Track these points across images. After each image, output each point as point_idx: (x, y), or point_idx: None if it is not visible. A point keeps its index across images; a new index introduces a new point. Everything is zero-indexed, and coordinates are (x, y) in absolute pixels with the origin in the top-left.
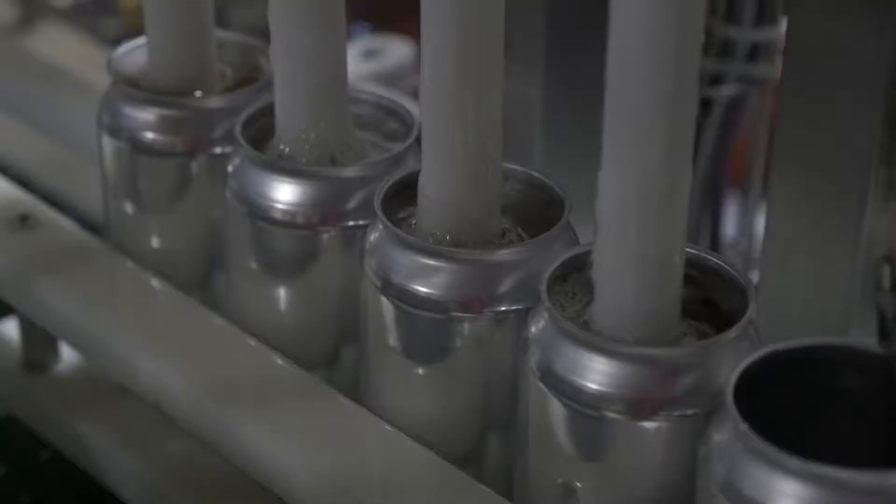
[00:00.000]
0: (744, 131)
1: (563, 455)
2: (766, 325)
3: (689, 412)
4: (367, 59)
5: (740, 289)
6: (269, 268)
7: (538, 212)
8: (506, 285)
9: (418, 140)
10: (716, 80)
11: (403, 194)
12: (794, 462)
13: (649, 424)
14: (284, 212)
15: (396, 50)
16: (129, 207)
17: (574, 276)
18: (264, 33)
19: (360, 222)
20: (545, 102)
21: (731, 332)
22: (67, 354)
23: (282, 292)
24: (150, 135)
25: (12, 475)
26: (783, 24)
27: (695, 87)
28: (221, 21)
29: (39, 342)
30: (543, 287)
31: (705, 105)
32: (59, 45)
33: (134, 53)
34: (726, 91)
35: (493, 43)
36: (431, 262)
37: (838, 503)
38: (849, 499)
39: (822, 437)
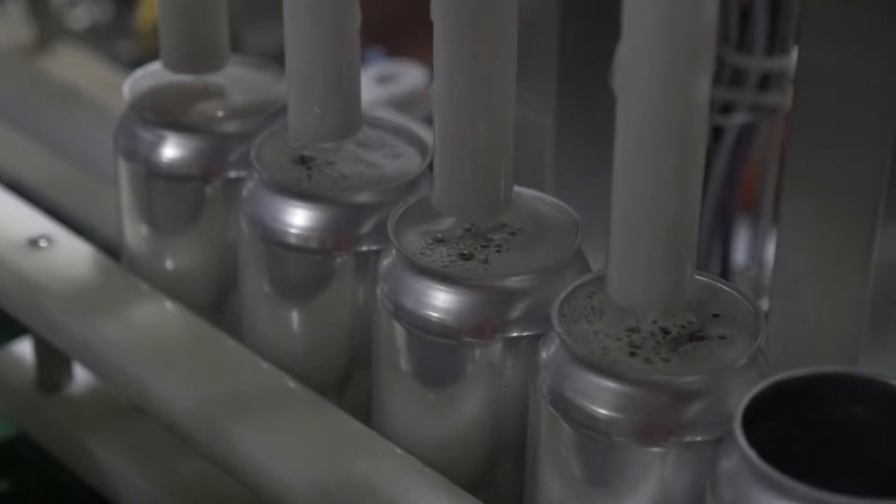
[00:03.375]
0: (754, 159)
1: (572, 479)
2: (776, 352)
3: (699, 439)
4: (381, 84)
5: (751, 315)
6: (281, 292)
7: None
8: (517, 311)
9: (431, 166)
10: (727, 108)
11: (417, 218)
12: (802, 488)
13: (658, 450)
14: (298, 236)
15: (410, 75)
16: (144, 230)
17: (600, 294)
18: (279, 55)
19: (374, 247)
20: (556, 128)
21: (741, 360)
22: (81, 375)
23: (295, 316)
24: (165, 159)
25: (21, 492)
26: (794, 54)
27: (705, 114)
28: (236, 44)
29: (53, 362)
30: (555, 313)
31: (716, 133)
32: (75, 67)
33: (149, 78)
34: (737, 119)
35: (505, 66)
36: (443, 287)
37: None
38: None
39: (828, 466)
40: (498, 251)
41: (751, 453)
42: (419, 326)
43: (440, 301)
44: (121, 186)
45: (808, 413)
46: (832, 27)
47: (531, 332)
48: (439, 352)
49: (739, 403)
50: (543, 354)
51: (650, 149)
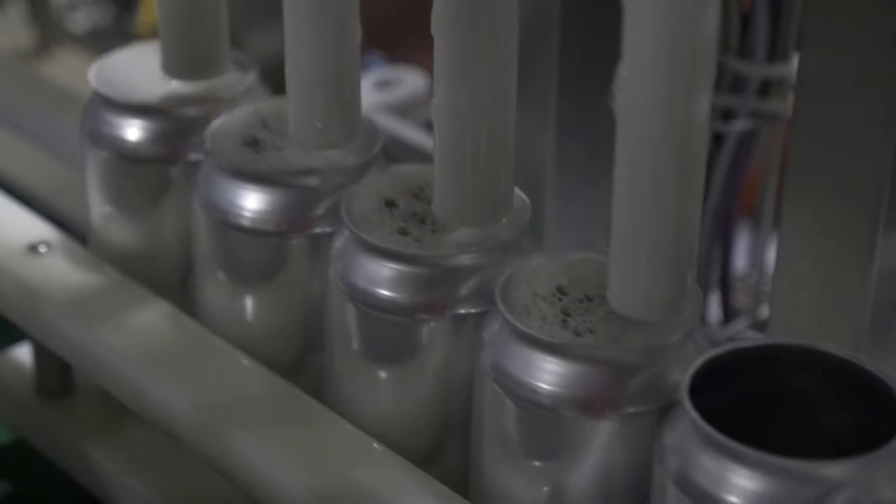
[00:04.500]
0: (755, 166)
1: (515, 453)
2: None
3: (643, 409)
4: (381, 90)
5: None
6: (236, 274)
7: None
8: (466, 289)
9: (384, 150)
10: (727, 115)
11: (372, 201)
12: (748, 452)
13: (600, 422)
14: (251, 219)
15: (410, 80)
16: (108, 212)
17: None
18: (279, 61)
19: (327, 229)
20: (557, 137)
21: (676, 335)
22: (80, 381)
23: (250, 298)
24: (130, 142)
25: (20, 498)
26: (795, 61)
27: (706, 121)
28: (237, 46)
29: (52, 368)
30: (498, 291)
31: (717, 140)
32: (75, 70)
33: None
34: (738, 126)
35: (505, 76)
36: (394, 265)
37: (786, 491)
38: (794, 486)
39: (773, 434)
40: (434, 231)
41: (696, 417)
42: (371, 305)
43: (391, 279)
44: (87, 170)
45: (753, 383)
46: (833, 34)
47: (479, 310)
48: (391, 329)
49: (686, 372)
50: (487, 331)
51: (650, 168)
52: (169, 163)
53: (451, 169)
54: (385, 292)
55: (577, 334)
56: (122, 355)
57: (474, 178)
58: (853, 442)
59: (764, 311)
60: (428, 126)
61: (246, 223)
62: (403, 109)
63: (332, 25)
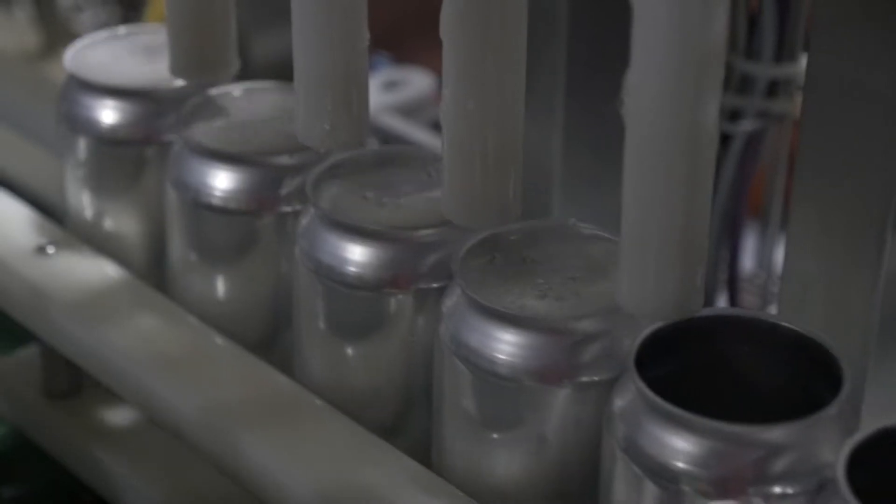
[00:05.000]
0: (762, 166)
1: (472, 422)
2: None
3: (596, 379)
4: (388, 91)
5: None
6: (206, 253)
7: None
8: (428, 264)
9: None
10: (735, 115)
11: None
12: (690, 418)
13: (557, 391)
14: (222, 198)
15: (417, 81)
16: (85, 196)
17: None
18: (287, 62)
19: (297, 207)
20: (565, 138)
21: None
22: (88, 382)
23: (219, 277)
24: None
25: (28, 499)
26: (802, 61)
27: (715, 124)
28: (243, 50)
29: (60, 370)
30: (457, 262)
31: (724, 140)
32: None
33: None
34: (745, 126)
35: (514, 79)
36: (361, 242)
37: (729, 455)
38: (737, 451)
39: (715, 401)
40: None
41: (643, 386)
42: (337, 280)
43: (356, 255)
44: (63, 155)
45: (697, 353)
46: (841, 34)
47: (442, 284)
48: (356, 304)
49: (634, 342)
50: (446, 304)
51: (660, 171)
52: (144, 144)
53: (459, 171)
54: (351, 268)
55: (540, 303)
56: (130, 356)
57: (483, 180)
58: (798, 407)
59: (772, 312)
60: (435, 127)
61: (216, 202)
62: (410, 110)
63: (341, 27)
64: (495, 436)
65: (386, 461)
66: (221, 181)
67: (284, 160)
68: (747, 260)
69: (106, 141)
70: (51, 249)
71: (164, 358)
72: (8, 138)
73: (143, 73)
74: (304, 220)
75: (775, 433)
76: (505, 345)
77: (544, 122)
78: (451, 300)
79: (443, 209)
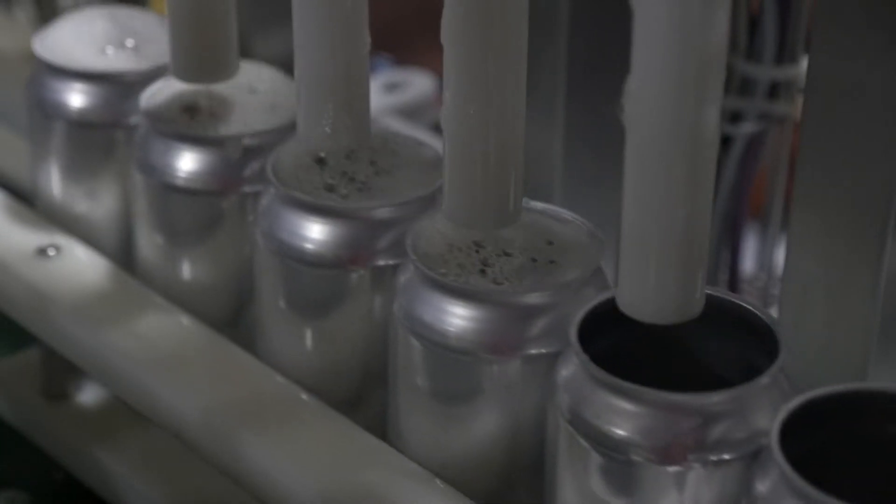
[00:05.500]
0: (763, 168)
1: (424, 396)
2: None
3: (543, 351)
4: (389, 93)
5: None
6: (172, 234)
7: None
8: (384, 242)
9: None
10: (736, 117)
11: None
12: (629, 387)
13: (507, 364)
14: (185, 180)
15: (418, 83)
16: (55, 177)
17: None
18: (288, 63)
19: (257, 188)
20: (565, 140)
21: (575, 283)
22: (88, 384)
23: (184, 254)
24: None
25: (28, 501)
26: (803, 63)
27: (715, 124)
28: (244, 51)
29: (60, 372)
30: (409, 241)
31: (725, 142)
32: None
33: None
34: (746, 128)
35: (515, 81)
36: (319, 220)
37: (669, 421)
38: (677, 418)
39: (657, 371)
40: (361, 189)
41: (585, 358)
42: (296, 258)
43: (315, 233)
44: (31, 136)
45: (640, 326)
46: (842, 35)
47: (398, 261)
48: (315, 282)
49: (575, 317)
50: (400, 280)
51: (660, 175)
52: (112, 127)
53: (461, 175)
54: (309, 246)
55: (496, 283)
56: (130, 358)
57: (484, 183)
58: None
59: (772, 313)
60: (437, 128)
61: (180, 183)
62: (411, 112)
63: (342, 29)
64: (447, 409)
65: (386, 463)
66: (185, 162)
67: (247, 141)
68: (748, 261)
69: (74, 124)
70: (51, 251)
71: (164, 359)
72: (8, 138)
73: (110, 57)
74: (264, 200)
75: (712, 400)
76: (456, 318)
77: (545, 122)
78: (405, 276)
79: (443, 211)
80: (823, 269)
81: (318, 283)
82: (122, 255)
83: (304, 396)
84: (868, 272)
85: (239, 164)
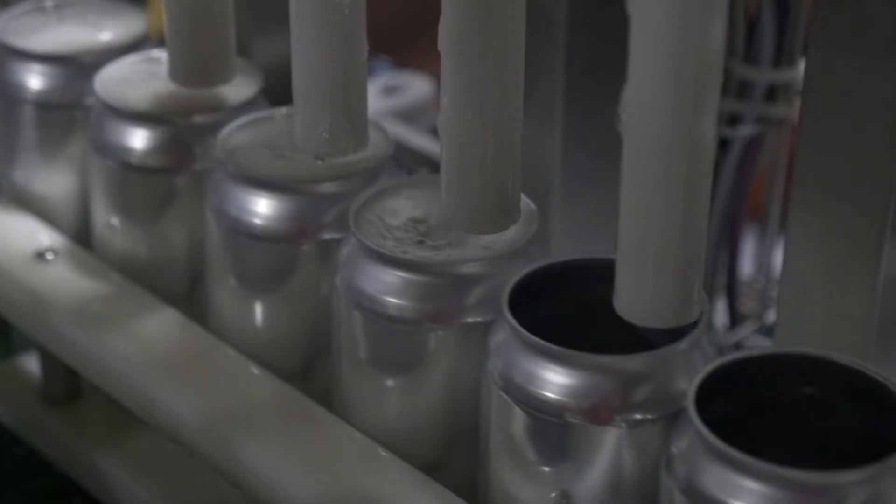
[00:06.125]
0: (761, 170)
1: (363, 364)
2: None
3: (479, 319)
4: (388, 96)
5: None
6: (127, 214)
7: None
8: (330, 216)
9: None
10: (733, 120)
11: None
12: (560, 351)
13: (439, 332)
14: (139, 158)
15: (416, 86)
16: (16, 159)
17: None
18: (286, 67)
19: (208, 167)
20: (563, 141)
21: (510, 252)
22: (87, 388)
23: (140, 232)
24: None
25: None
26: (801, 65)
27: (712, 129)
28: (242, 56)
29: (59, 375)
30: (351, 214)
31: (723, 144)
32: None
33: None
34: (744, 131)
35: (513, 84)
36: (267, 195)
37: (596, 383)
38: (603, 379)
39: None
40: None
41: (518, 327)
42: (244, 232)
43: (262, 208)
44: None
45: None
46: (839, 38)
47: (340, 235)
48: (264, 256)
49: (504, 287)
50: (343, 253)
51: (657, 181)
52: (72, 108)
53: (458, 181)
54: (257, 221)
55: (435, 251)
56: (129, 362)
57: (483, 187)
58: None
59: (770, 316)
60: (435, 131)
61: (134, 161)
62: (410, 115)
63: (340, 33)
64: (389, 378)
65: (386, 467)
66: (137, 141)
67: (199, 119)
68: (746, 263)
69: (32, 105)
70: (50, 256)
71: (163, 363)
72: None
73: (69, 38)
74: (214, 177)
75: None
76: (395, 289)
77: (543, 125)
78: (347, 249)
79: (442, 214)
80: (822, 270)
81: (267, 257)
82: (81, 234)
83: (304, 401)
84: (866, 274)
85: (191, 143)
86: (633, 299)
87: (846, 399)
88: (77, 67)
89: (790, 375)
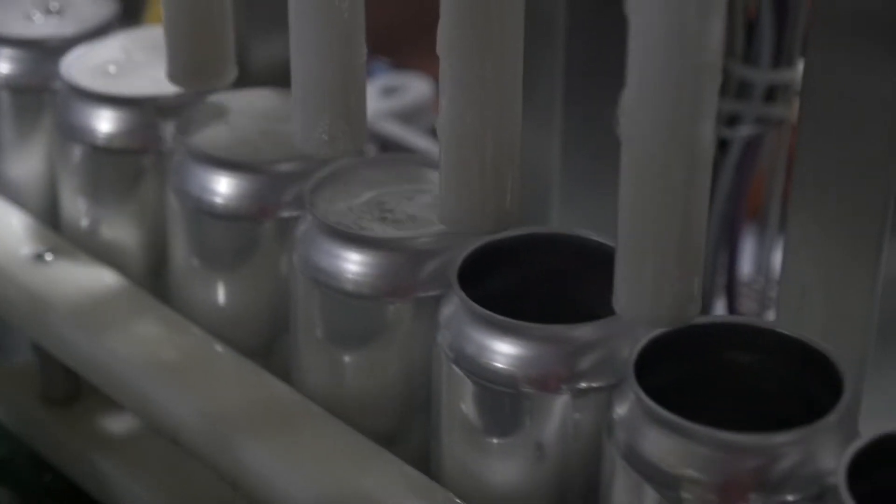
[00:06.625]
0: (761, 171)
1: (316, 336)
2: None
3: (433, 294)
4: (387, 97)
5: None
6: (96, 193)
7: None
8: (289, 195)
9: None
10: (733, 120)
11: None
12: (508, 322)
13: (395, 306)
14: (106, 139)
15: (415, 87)
16: None
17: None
18: (284, 69)
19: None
20: (563, 144)
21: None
22: (87, 389)
23: (110, 214)
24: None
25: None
26: (800, 66)
27: (712, 127)
28: (241, 57)
29: (59, 377)
30: (307, 191)
31: (722, 145)
32: None
33: None
34: (743, 132)
35: (512, 84)
36: (226, 173)
37: (543, 352)
38: (551, 349)
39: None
40: (275, 144)
41: (463, 295)
42: (206, 212)
43: (223, 187)
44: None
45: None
46: (838, 39)
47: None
48: (224, 235)
49: (455, 259)
50: (299, 229)
51: (656, 183)
52: (40, 91)
53: (457, 184)
54: (218, 200)
55: (396, 224)
56: (128, 363)
57: (481, 187)
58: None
59: (770, 317)
60: (434, 132)
61: (100, 143)
62: (409, 116)
63: (339, 34)
64: (344, 351)
65: (385, 468)
66: (103, 122)
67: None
68: (746, 264)
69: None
70: (49, 257)
71: (162, 365)
72: None
73: (31, 27)
74: (175, 158)
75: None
76: (351, 264)
77: (543, 127)
78: (304, 225)
79: (440, 216)
80: (821, 271)
81: (228, 236)
82: (51, 218)
83: (303, 402)
84: (866, 274)
85: (154, 124)
86: (632, 299)
87: (786, 366)
88: (43, 52)
89: (731, 344)
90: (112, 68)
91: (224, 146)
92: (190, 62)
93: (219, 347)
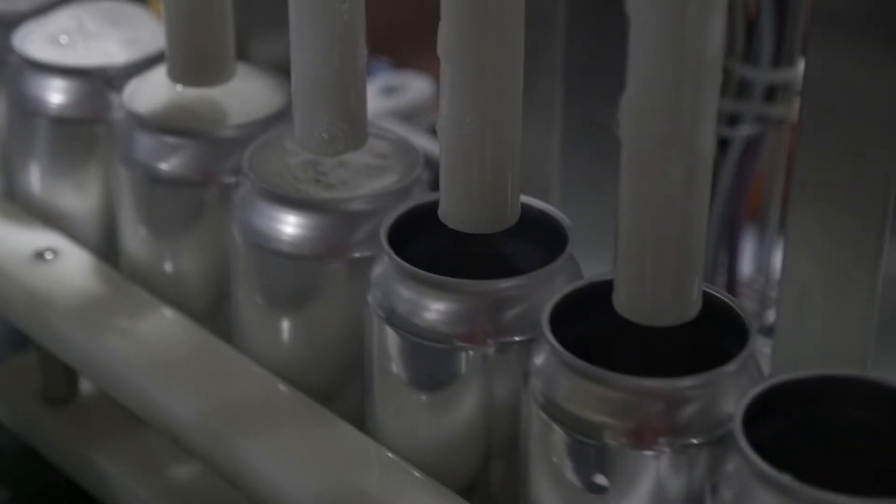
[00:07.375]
0: (761, 170)
1: (264, 301)
2: (782, 363)
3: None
4: (387, 96)
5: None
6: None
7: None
8: (230, 161)
9: None
10: (733, 119)
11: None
12: (438, 279)
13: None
14: (55, 113)
15: (415, 86)
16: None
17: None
18: (285, 67)
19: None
20: (563, 143)
21: (398, 189)
22: (86, 387)
23: (58, 186)
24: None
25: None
26: (800, 65)
27: (712, 127)
28: (242, 56)
29: (59, 375)
30: (246, 157)
31: (722, 145)
32: None
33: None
34: (744, 131)
35: (512, 85)
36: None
37: (472, 308)
38: (477, 305)
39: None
40: (218, 118)
41: (392, 254)
42: (153, 178)
43: (168, 154)
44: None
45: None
46: (838, 38)
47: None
48: (168, 199)
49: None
50: (239, 194)
51: (656, 183)
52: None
53: (458, 181)
54: (164, 166)
55: (329, 187)
56: (129, 362)
57: (482, 189)
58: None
59: (770, 317)
60: (434, 132)
61: (52, 113)
62: (409, 115)
63: (339, 33)
64: (281, 312)
65: (383, 466)
66: (55, 97)
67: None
68: (746, 264)
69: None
70: (49, 255)
71: (162, 363)
72: None
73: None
74: (121, 126)
75: (505, 285)
76: (287, 226)
77: (542, 126)
78: (243, 191)
79: (441, 215)
80: (821, 271)
81: (174, 202)
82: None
83: (303, 400)
84: (865, 274)
85: (104, 94)
86: (632, 299)
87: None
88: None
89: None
90: (64, 38)
91: (168, 114)
92: (190, 61)
93: (219, 345)
